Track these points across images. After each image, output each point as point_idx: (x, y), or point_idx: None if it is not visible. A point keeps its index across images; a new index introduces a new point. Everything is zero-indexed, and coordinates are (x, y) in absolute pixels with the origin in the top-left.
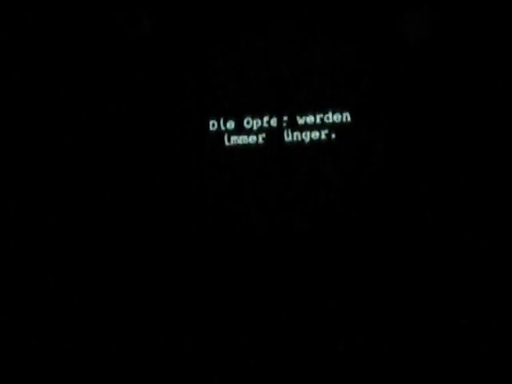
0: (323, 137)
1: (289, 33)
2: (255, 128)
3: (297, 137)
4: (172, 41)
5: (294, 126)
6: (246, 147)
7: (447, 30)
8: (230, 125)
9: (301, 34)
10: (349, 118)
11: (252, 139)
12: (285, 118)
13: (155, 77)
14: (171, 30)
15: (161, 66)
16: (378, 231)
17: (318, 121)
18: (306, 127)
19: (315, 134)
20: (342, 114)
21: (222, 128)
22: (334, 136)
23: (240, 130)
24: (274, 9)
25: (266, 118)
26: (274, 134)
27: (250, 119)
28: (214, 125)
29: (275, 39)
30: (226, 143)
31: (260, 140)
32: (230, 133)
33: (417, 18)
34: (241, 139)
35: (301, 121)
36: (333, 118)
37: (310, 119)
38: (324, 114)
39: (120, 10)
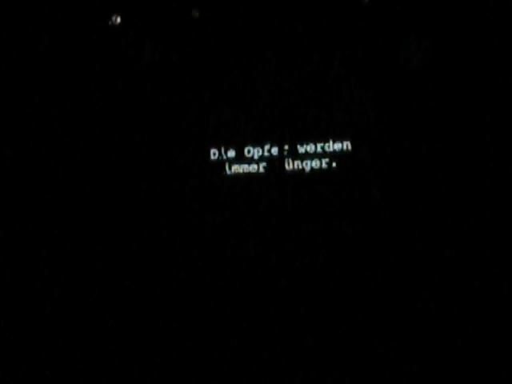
0: (324, 165)
1: (289, 63)
2: (256, 157)
3: (297, 165)
4: (174, 70)
5: (294, 155)
6: (247, 176)
7: (446, 57)
8: (231, 154)
9: (301, 64)
10: (349, 147)
11: (253, 168)
12: (286, 147)
13: (157, 105)
14: (173, 60)
15: (163, 95)
16: (379, 259)
17: (319, 149)
18: (307, 156)
19: (316, 163)
20: (342, 142)
21: (224, 157)
22: (334, 165)
23: (241, 158)
24: (275, 40)
25: (266, 147)
26: (274, 163)
27: (251, 148)
28: (215, 154)
29: (276, 70)
30: (227, 172)
31: (261, 169)
32: (231, 162)
33: (416, 46)
34: (242, 168)
35: (301, 149)
36: (333, 146)
37: (310, 148)
38: (324, 143)
39: (124, 38)
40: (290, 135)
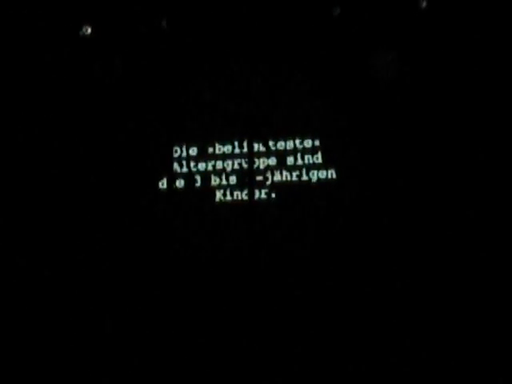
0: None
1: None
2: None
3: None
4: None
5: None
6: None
7: (415, 69)
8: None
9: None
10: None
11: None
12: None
13: (128, 111)
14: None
15: (133, 102)
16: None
17: (289, 147)
18: (277, 153)
19: (287, 160)
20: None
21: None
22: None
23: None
24: (248, 43)
25: (235, 144)
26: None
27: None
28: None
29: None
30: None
31: (229, 166)
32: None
33: (385, 57)
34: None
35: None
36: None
37: (280, 145)
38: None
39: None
40: (258, 132)
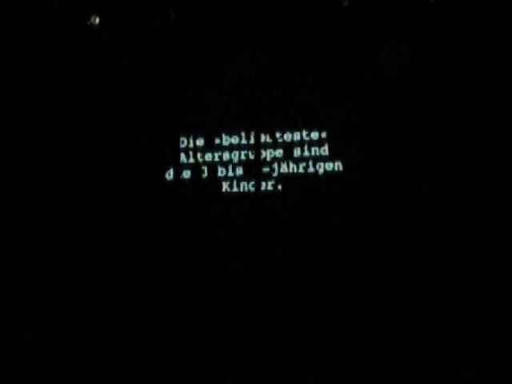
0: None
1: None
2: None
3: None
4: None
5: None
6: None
7: (422, 62)
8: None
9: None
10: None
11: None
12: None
13: (135, 103)
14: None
15: (141, 93)
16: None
17: (296, 138)
18: (284, 144)
19: (294, 151)
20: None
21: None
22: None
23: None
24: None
25: (242, 135)
26: (250, 152)
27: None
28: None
29: (255, 69)
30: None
31: (236, 158)
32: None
33: (394, 51)
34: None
35: (279, 139)
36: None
37: (287, 137)
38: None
39: (102, 37)
40: (265, 123)
